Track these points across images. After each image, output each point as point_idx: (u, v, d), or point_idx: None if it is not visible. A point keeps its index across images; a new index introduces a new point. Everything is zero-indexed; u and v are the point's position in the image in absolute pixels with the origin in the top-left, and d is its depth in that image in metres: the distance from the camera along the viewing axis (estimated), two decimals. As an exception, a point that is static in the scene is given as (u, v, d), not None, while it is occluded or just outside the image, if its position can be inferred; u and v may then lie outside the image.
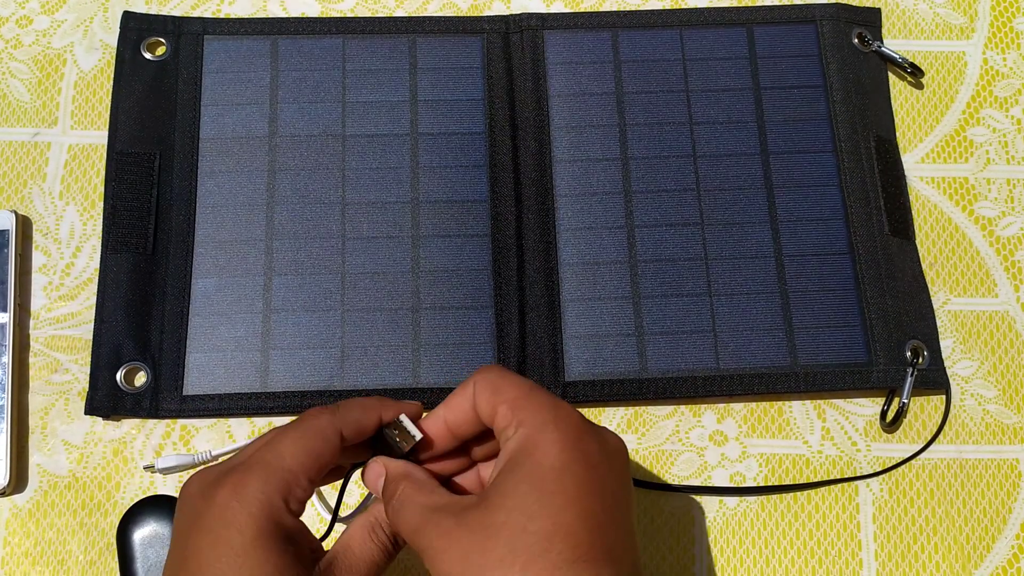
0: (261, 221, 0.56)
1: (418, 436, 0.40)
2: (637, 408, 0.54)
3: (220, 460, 0.52)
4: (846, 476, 0.53)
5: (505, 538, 0.34)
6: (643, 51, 0.60)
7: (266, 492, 0.37)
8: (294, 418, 0.40)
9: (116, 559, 0.50)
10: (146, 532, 0.48)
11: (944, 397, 0.54)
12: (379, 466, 0.40)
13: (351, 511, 0.44)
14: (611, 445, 0.38)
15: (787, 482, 0.53)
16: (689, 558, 0.51)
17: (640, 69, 0.59)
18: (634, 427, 0.54)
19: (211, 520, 0.36)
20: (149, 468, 0.52)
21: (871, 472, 0.53)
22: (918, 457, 0.53)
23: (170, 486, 0.52)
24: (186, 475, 0.52)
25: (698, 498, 0.52)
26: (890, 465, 0.53)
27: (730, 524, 0.52)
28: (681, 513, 0.52)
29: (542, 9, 0.62)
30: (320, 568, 0.38)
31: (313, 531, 0.39)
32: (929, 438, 0.54)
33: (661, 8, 0.62)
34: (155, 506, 0.49)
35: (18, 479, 0.52)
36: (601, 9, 0.62)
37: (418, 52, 0.59)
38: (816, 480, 0.53)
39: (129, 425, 0.53)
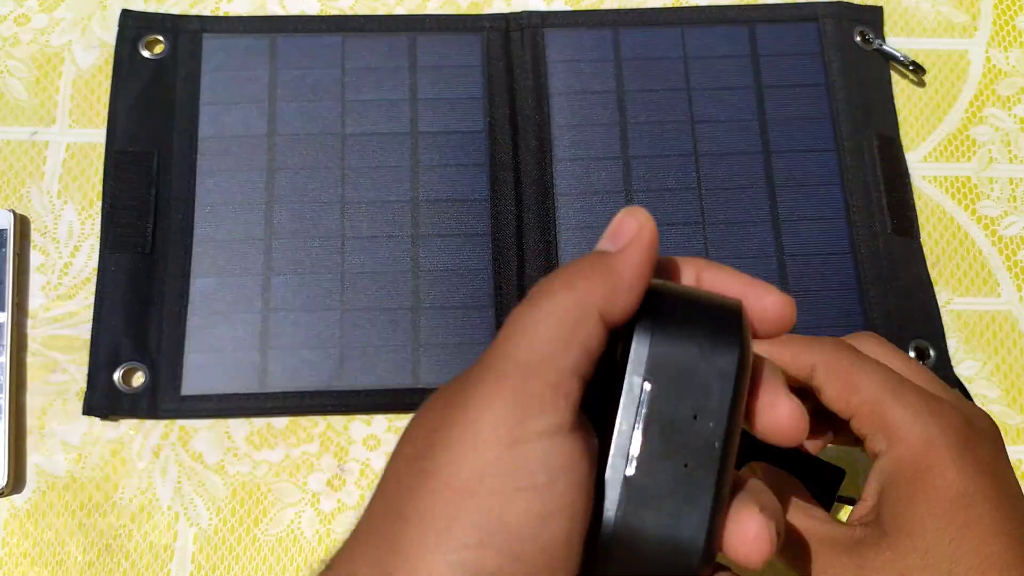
0: (260, 220, 0.55)
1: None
2: (638, 408, 0.54)
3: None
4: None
5: None
6: (644, 49, 0.59)
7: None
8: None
9: (114, 560, 0.50)
10: None
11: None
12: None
13: None
14: (989, 435, 0.33)
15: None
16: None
17: (641, 67, 0.59)
18: (635, 427, 0.53)
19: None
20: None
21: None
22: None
23: (168, 485, 0.51)
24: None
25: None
26: None
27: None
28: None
29: (542, 7, 0.62)
30: None
31: None
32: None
33: (662, 6, 0.61)
34: None
35: (16, 479, 0.51)
36: (602, 7, 0.62)
37: (418, 50, 0.59)
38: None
39: (127, 425, 0.53)
